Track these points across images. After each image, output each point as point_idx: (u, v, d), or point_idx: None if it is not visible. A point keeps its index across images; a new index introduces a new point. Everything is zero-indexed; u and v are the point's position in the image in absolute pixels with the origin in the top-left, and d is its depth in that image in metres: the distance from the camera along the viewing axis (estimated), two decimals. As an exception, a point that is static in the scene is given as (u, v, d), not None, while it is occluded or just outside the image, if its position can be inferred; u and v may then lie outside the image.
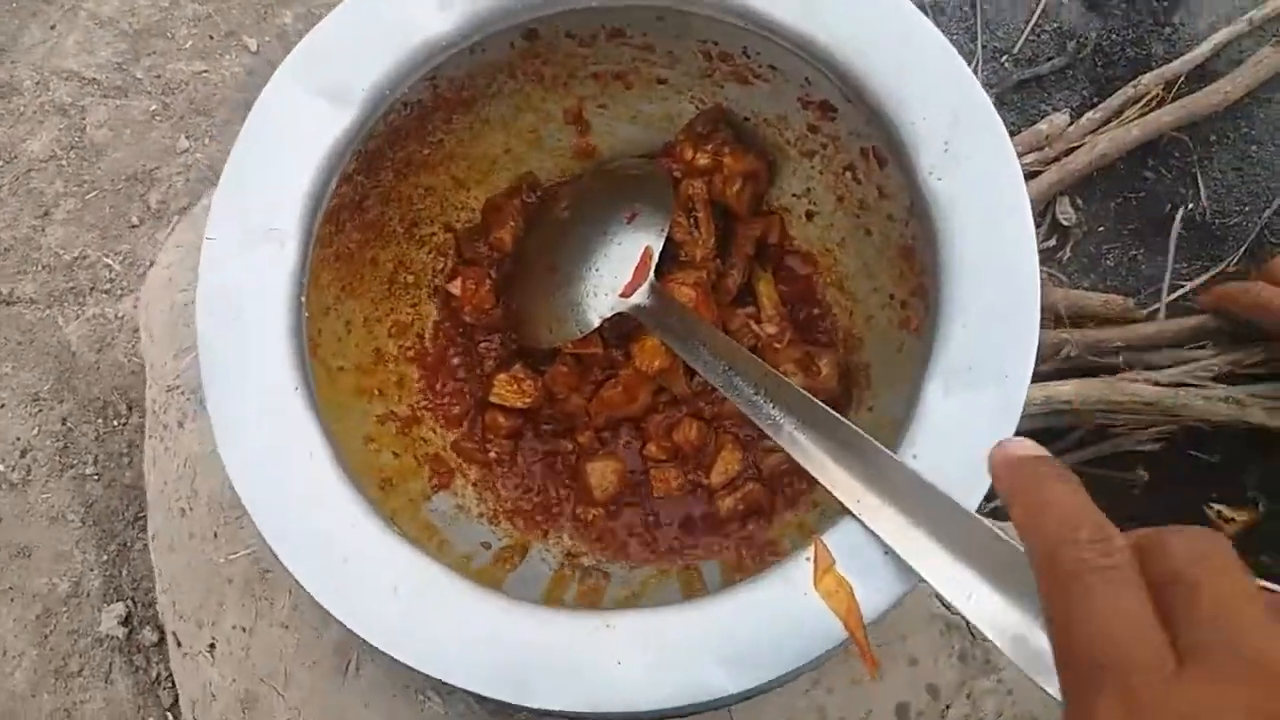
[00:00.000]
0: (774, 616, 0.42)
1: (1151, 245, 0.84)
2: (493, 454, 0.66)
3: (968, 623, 0.61)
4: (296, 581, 0.45)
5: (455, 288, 0.66)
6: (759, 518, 0.62)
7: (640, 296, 0.62)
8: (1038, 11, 0.89)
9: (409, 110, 0.59)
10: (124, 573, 0.84)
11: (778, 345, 0.64)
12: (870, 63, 0.49)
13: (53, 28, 1.00)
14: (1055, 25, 0.89)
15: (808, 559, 0.43)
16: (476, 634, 0.42)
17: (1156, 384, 0.72)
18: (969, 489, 0.43)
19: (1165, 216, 0.83)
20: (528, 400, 0.65)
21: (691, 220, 0.64)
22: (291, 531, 0.45)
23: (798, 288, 0.66)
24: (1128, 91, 0.82)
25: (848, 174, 0.62)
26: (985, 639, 0.59)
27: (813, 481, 0.62)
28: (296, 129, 0.51)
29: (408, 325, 0.67)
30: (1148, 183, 0.84)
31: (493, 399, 0.65)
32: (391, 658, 0.43)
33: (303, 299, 0.50)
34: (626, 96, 0.66)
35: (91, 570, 0.84)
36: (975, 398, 0.44)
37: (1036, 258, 0.46)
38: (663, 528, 0.63)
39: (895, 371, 0.60)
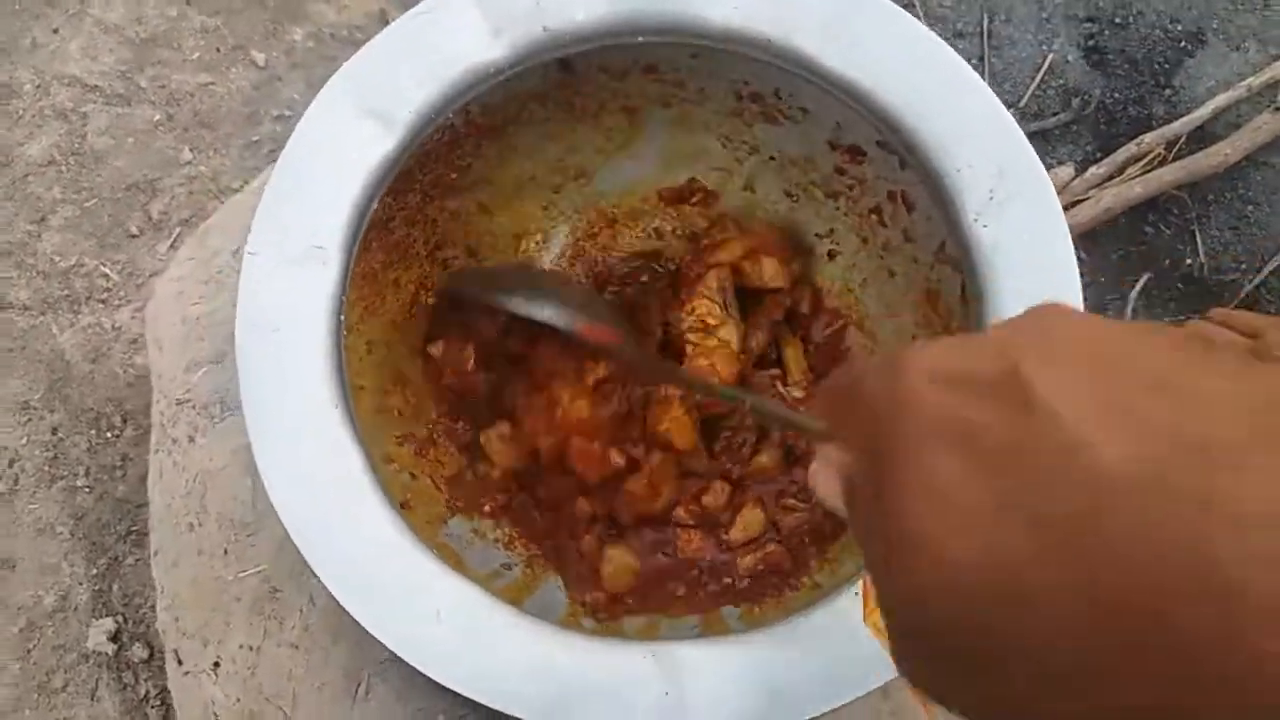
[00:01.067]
0: (823, 650, 0.43)
1: (1151, 297, 0.86)
2: (486, 508, 0.64)
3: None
4: (336, 602, 0.44)
5: (436, 349, 0.65)
6: (777, 578, 0.62)
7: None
8: (1044, 68, 0.91)
9: (440, 135, 0.59)
10: (114, 587, 0.82)
11: (804, 409, 0.64)
12: (918, 111, 0.51)
13: (56, 31, 0.99)
14: (1061, 82, 0.91)
15: (856, 593, 0.43)
16: (525, 661, 0.42)
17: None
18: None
19: (1165, 270, 0.85)
20: (512, 462, 0.64)
21: (724, 306, 0.65)
22: (334, 553, 0.44)
23: (825, 351, 0.67)
24: (1130, 149, 0.84)
25: (873, 216, 0.63)
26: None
27: (831, 542, 0.63)
28: (342, 149, 0.51)
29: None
30: (1148, 237, 0.87)
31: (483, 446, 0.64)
32: (402, 683, 0.42)
33: (341, 317, 0.50)
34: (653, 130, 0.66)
35: (80, 584, 0.82)
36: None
37: (1082, 303, 0.47)
38: (681, 583, 0.63)
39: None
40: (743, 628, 0.49)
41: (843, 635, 0.43)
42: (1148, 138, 0.85)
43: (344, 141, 0.51)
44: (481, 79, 0.53)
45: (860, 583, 0.44)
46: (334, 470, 0.46)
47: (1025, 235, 0.48)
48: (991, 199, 0.49)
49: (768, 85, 0.60)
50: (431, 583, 0.44)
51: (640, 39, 0.55)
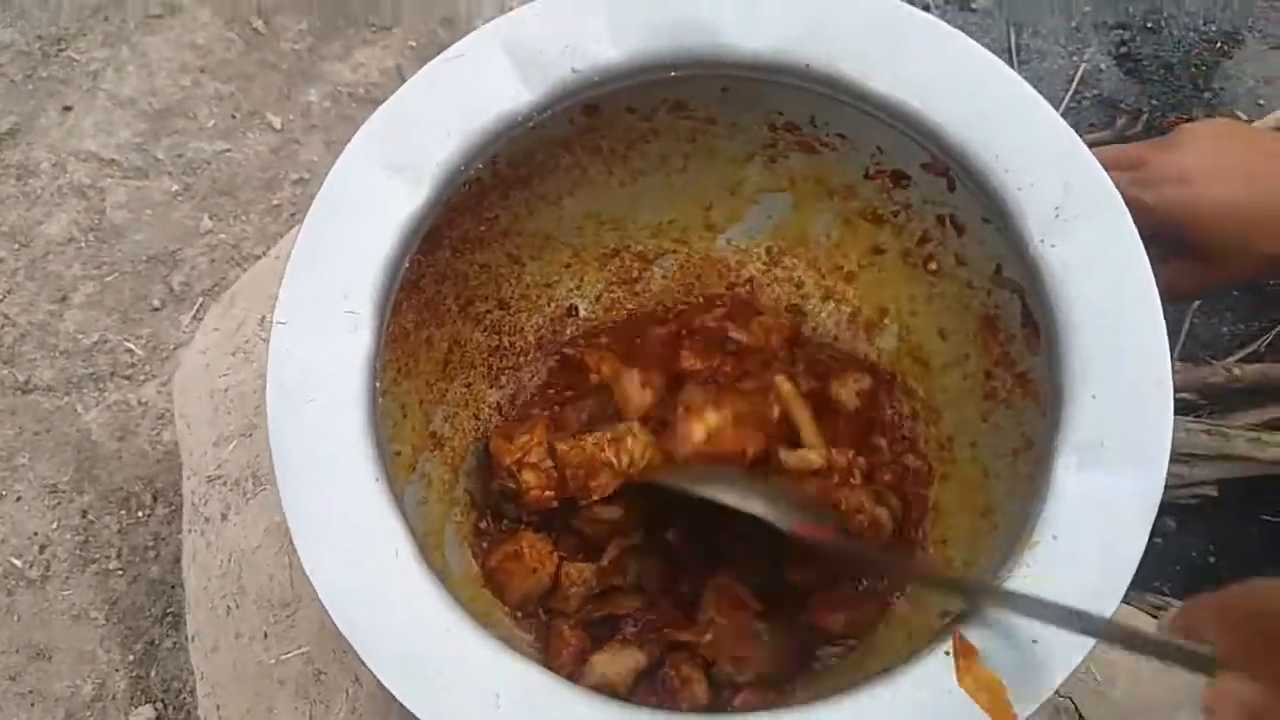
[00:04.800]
0: (915, 718, 0.39)
1: (1207, 308, 0.83)
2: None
3: (1074, 705, 0.58)
4: (383, 688, 0.41)
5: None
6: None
7: None
8: (1076, 80, 0.89)
9: (468, 188, 0.57)
10: (152, 673, 0.79)
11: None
12: (972, 128, 0.48)
13: (69, 109, 0.99)
14: (1095, 93, 0.88)
15: (947, 652, 0.40)
16: (594, 748, 0.39)
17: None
18: (1109, 573, 0.41)
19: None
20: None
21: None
22: (381, 638, 0.41)
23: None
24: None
25: (921, 243, 0.60)
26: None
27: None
28: (368, 208, 0.48)
29: (462, 406, 0.64)
30: (1201, 246, 0.83)
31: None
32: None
33: (377, 384, 0.47)
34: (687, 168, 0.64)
35: (116, 671, 0.80)
36: (1113, 478, 0.42)
37: (1164, 326, 0.43)
38: None
39: (986, 444, 0.58)
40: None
41: (939, 701, 0.40)
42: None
43: (370, 200, 0.48)
44: (510, 127, 0.51)
45: (951, 641, 0.40)
46: (378, 548, 0.43)
47: (1097, 254, 0.45)
48: (1058, 217, 0.46)
49: (803, 114, 0.57)
50: (488, 664, 0.41)
51: (673, 74, 0.52)
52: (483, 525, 0.62)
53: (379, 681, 0.42)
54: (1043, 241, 0.46)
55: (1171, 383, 0.43)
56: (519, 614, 0.60)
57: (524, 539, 0.60)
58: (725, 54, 0.51)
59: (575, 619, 0.61)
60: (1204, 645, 0.31)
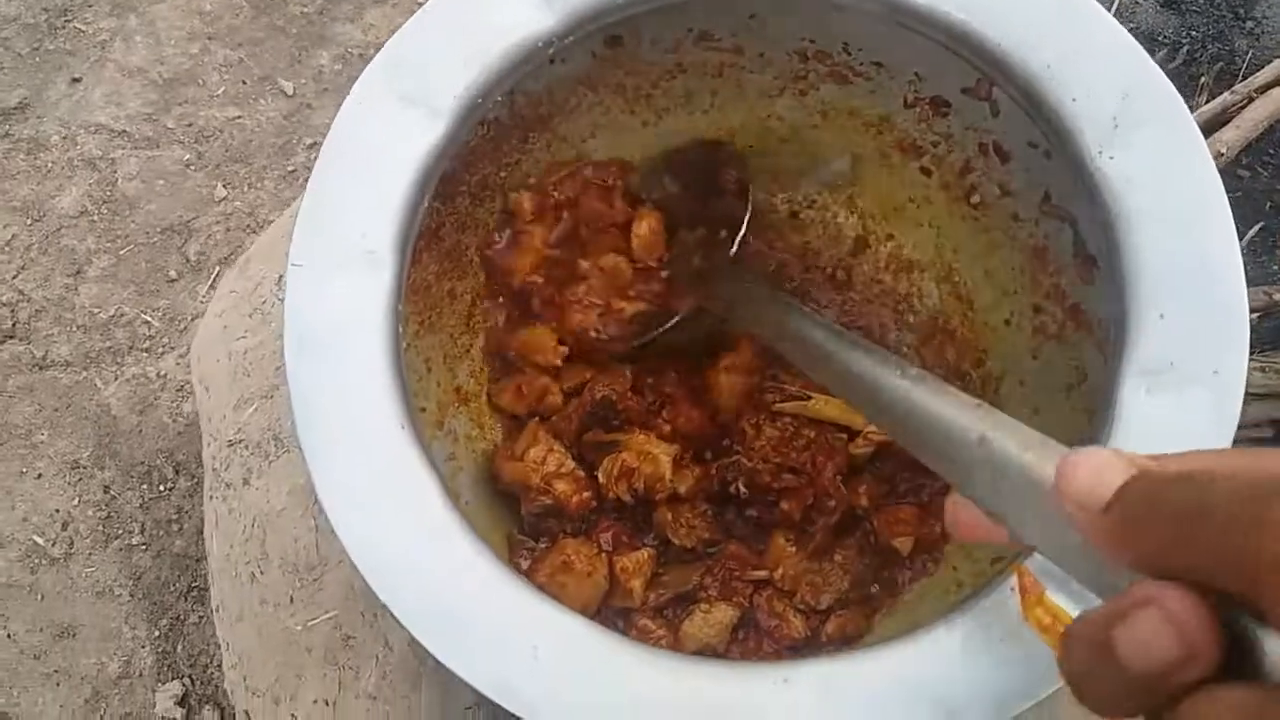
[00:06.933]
0: (979, 659, 0.37)
1: (1253, 246, 0.79)
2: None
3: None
4: (413, 646, 0.39)
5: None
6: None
7: None
8: (1112, 12, 0.85)
9: (486, 130, 0.54)
10: (179, 648, 0.78)
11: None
12: (1021, 38, 0.45)
13: (78, 80, 0.97)
14: (1132, 26, 0.85)
15: (1012, 589, 0.37)
16: (639, 697, 0.37)
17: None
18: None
19: (1269, 214, 0.79)
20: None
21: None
22: (412, 591, 0.39)
23: None
24: (1225, 98, 0.78)
25: (963, 174, 0.57)
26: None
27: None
28: (385, 142, 0.46)
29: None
30: (1244, 181, 0.80)
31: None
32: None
33: (400, 327, 0.45)
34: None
35: (143, 647, 0.78)
36: (1184, 398, 0.39)
37: (1235, 233, 0.41)
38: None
39: (1036, 381, 0.55)
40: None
41: (1003, 639, 0.37)
42: (1239, 87, 0.79)
43: (387, 134, 0.46)
44: (530, 55, 0.48)
45: (1015, 578, 0.38)
46: (407, 497, 0.41)
47: (1161, 165, 0.42)
48: (1116, 127, 0.43)
49: (834, 40, 0.55)
50: (525, 615, 0.39)
51: (697, -5, 0.50)
52: (522, 559, 0.58)
53: (411, 643, 0.40)
54: (1100, 154, 0.43)
55: (1246, 296, 0.40)
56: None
57: (567, 547, 0.56)
58: (753, -28, 0.48)
59: (648, 610, 0.57)
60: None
